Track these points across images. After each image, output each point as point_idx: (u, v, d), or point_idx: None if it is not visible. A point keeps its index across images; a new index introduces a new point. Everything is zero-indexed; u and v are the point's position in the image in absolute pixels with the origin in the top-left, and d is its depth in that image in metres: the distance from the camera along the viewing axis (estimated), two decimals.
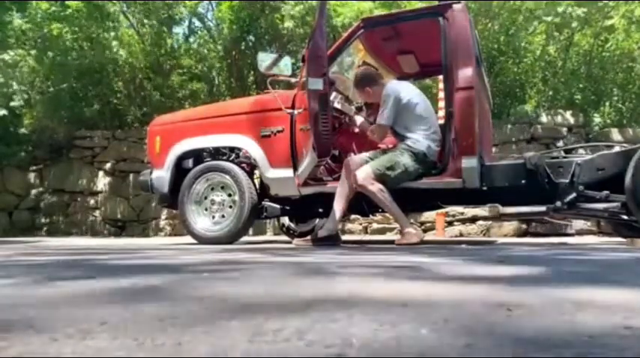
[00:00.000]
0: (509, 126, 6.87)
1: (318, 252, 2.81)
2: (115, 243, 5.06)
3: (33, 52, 7.59)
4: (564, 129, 6.76)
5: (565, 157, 3.75)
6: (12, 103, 7.50)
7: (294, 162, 3.68)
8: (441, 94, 4.39)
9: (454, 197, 3.56)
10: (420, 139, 3.47)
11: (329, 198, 3.54)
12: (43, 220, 8.29)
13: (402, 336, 0.67)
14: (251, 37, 8.23)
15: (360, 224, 6.82)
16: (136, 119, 8.62)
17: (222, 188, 3.89)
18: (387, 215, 4.57)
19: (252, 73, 8.42)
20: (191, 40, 9.98)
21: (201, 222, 3.87)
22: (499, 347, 0.63)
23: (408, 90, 3.57)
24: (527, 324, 0.75)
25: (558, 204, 3.31)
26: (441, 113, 4.24)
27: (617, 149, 3.64)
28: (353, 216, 6.10)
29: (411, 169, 3.43)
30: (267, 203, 3.87)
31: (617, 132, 6.68)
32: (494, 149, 5.76)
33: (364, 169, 3.43)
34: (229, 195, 3.86)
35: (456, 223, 6.46)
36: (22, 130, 8.43)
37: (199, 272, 1.54)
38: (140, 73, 8.48)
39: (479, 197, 3.54)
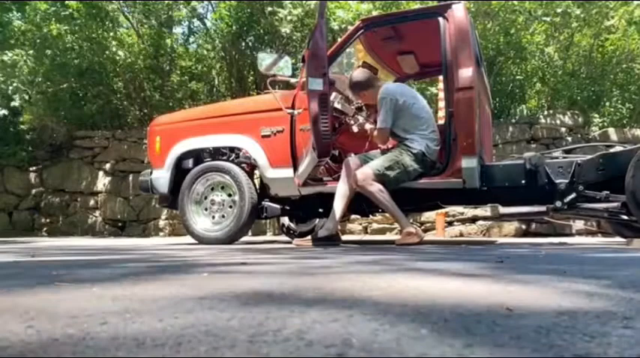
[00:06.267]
0: (509, 126, 6.87)
1: (318, 251, 2.80)
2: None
3: (32, 52, 7.57)
4: (564, 130, 6.76)
5: (565, 157, 3.75)
6: (12, 103, 7.50)
7: (294, 162, 3.68)
8: (441, 94, 4.39)
9: (454, 197, 3.57)
10: (419, 139, 3.48)
11: (329, 198, 3.54)
12: (43, 220, 8.28)
13: (402, 336, 0.67)
14: (250, 37, 8.22)
15: (360, 224, 6.82)
16: (136, 119, 8.61)
17: (222, 188, 3.90)
18: (387, 215, 4.57)
19: (251, 73, 8.41)
20: (191, 40, 9.98)
21: (201, 222, 3.87)
22: (499, 347, 0.63)
23: (402, 92, 3.58)
24: (527, 324, 0.75)
25: (558, 204, 3.31)
26: (441, 113, 4.25)
27: (617, 149, 3.64)
28: (353, 216, 6.11)
29: (410, 169, 3.44)
30: (267, 203, 3.87)
31: (616, 133, 6.67)
32: (494, 149, 5.76)
33: (364, 170, 3.44)
34: (229, 195, 3.86)
35: (456, 223, 6.47)
36: (22, 129, 8.42)
37: (200, 271, 1.54)
38: (140, 73, 8.48)
39: (479, 197, 3.55)
